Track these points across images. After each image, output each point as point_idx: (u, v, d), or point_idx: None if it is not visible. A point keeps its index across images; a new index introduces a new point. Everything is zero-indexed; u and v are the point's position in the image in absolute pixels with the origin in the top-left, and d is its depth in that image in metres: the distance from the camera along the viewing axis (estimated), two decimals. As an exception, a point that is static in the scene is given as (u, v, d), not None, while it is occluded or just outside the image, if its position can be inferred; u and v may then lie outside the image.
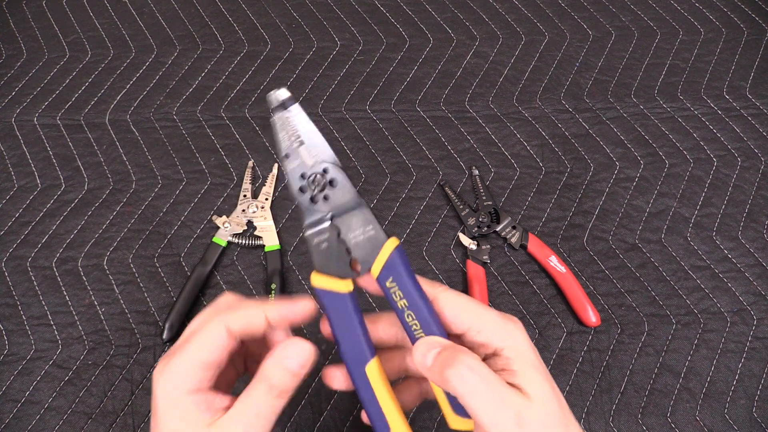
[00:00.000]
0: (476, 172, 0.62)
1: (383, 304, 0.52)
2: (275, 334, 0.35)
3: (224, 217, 0.59)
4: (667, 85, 0.69)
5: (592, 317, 0.55)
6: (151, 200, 0.61)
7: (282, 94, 0.35)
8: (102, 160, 0.63)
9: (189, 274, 0.57)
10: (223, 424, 0.32)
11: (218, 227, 0.59)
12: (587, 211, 0.61)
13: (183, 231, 0.60)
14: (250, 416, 0.32)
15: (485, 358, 0.33)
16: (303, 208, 0.35)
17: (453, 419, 0.35)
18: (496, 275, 0.58)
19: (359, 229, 0.34)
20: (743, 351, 0.54)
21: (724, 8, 0.75)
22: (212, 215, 0.60)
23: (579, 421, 0.51)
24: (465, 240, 0.59)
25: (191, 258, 0.58)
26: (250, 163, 0.63)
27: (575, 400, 0.53)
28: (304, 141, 0.35)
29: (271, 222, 0.59)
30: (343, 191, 0.35)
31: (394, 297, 0.34)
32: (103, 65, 0.70)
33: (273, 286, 0.55)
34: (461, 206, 0.60)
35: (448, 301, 0.34)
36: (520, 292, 0.57)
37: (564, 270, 0.56)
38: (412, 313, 0.33)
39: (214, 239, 0.58)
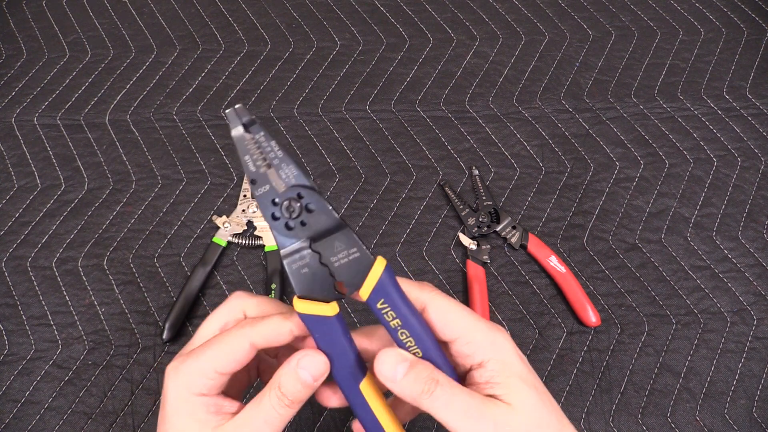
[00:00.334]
0: (476, 172, 0.62)
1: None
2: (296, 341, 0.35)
3: (224, 217, 0.59)
4: (667, 85, 0.69)
5: (592, 317, 0.55)
6: (151, 200, 0.61)
7: (241, 112, 0.32)
8: (102, 160, 0.63)
9: (189, 274, 0.57)
10: (230, 428, 0.32)
11: (218, 227, 0.59)
12: (587, 211, 0.61)
13: (183, 231, 0.60)
14: (259, 422, 0.32)
15: (471, 369, 0.34)
16: (278, 235, 0.33)
17: None
18: (496, 275, 0.58)
19: (342, 252, 0.32)
20: (743, 351, 0.54)
21: (724, 8, 0.75)
22: (212, 215, 0.60)
23: (579, 422, 0.52)
24: (465, 240, 0.59)
25: (191, 258, 0.58)
26: (250, 163, 0.62)
27: (575, 400, 0.53)
28: (271, 164, 0.32)
29: (271, 222, 0.59)
30: (322, 216, 0.32)
31: (386, 318, 0.33)
32: (103, 65, 0.70)
33: (273, 286, 0.55)
34: (461, 206, 0.60)
35: (439, 308, 0.34)
36: (520, 292, 0.57)
37: (564, 270, 0.56)
38: (406, 331, 0.33)
39: (214, 239, 0.58)
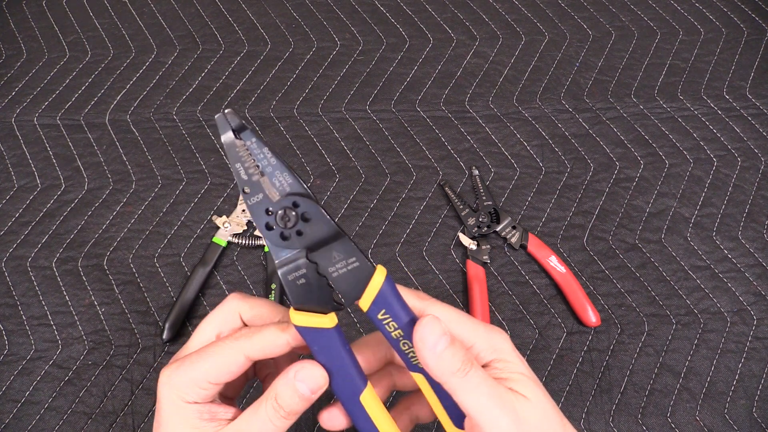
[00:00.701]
0: (476, 172, 0.62)
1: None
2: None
3: (224, 217, 0.59)
4: (667, 85, 0.69)
5: (592, 317, 0.55)
6: (151, 200, 0.61)
7: (230, 117, 0.31)
8: (102, 160, 0.63)
9: (189, 274, 0.57)
10: None
11: (218, 227, 0.59)
12: (587, 211, 0.61)
13: (183, 231, 0.60)
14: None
15: None
16: (272, 246, 0.31)
17: (452, 431, 0.35)
18: (496, 275, 0.58)
19: (341, 262, 0.31)
20: (743, 351, 0.54)
21: (724, 8, 0.75)
22: (212, 215, 0.60)
23: (579, 422, 0.52)
24: (465, 240, 0.59)
25: (191, 258, 0.58)
26: (250, 163, 0.63)
27: (575, 400, 0.53)
28: (264, 172, 0.31)
29: (271, 222, 0.59)
30: (319, 225, 0.31)
31: (387, 328, 0.32)
32: (103, 65, 0.70)
33: (273, 286, 0.55)
34: (461, 206, 0.60)
35: (437, 315, 0.34)
36: (520, 292, 0.57)
37: (564, 270, 0.56)
38: (408, 342, 0.32)
39: (214, 239, 0.58)
